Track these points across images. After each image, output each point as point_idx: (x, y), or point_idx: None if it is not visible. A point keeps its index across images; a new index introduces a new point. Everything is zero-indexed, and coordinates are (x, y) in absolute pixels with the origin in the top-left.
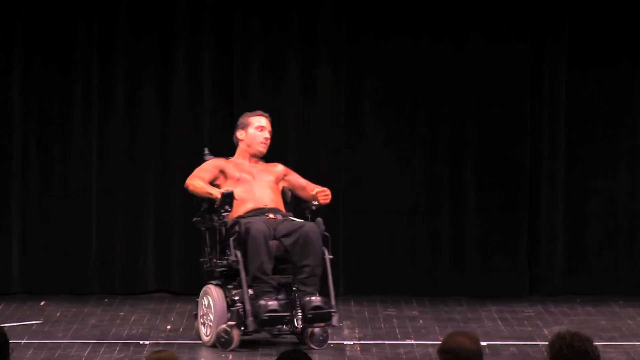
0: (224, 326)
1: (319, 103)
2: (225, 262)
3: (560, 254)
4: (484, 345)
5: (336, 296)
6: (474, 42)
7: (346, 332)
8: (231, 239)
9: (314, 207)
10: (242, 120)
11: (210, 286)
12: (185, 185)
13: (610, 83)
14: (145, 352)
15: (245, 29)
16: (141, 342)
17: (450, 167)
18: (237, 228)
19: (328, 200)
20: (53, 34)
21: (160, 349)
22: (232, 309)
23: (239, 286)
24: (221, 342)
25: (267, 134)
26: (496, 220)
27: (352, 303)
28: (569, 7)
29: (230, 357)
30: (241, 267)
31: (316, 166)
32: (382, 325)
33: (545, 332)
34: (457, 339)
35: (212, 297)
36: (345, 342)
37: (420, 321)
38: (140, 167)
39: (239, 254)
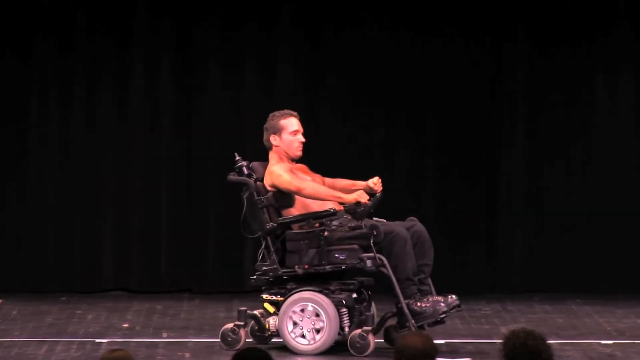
0: (359, 331)
1: (278, 99)
2: (329, 267)
3: (518, 253)
4: (441, 344)
5: None
6: (434, 37)
7: None
8: (371, 242)
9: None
10: (272, 123)
11: (312, 293)
12: (296, 190)
13: (569, 81)
14: (101, 351)
15: (203, 24)
16: (98, 340)
17: (410, 165)
18: (375, 232)
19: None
20: (13, 27)
21: (116, 347)
22: (367, 313)
23: (346, 290)
24: (357, 348)
25: (301, 137)
26: (455, 219)
27: None
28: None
29: (189, 356)
30: (390, 270)
31: None
32: None
33: (503, 330)
34: (409, 340)
35: (322, 304)
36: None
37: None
38: (99, 164)
39: (383, 257)
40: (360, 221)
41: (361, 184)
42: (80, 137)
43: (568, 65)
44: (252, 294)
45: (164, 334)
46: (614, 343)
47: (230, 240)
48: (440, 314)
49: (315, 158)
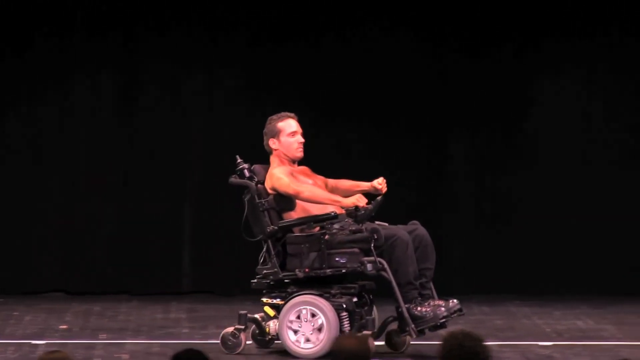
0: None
1: (220, 103)
2: (329, 270)
3: (457, 254)
4: (380, 345)
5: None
6: (363, 37)
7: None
8: (372, 246)
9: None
10: (270, 127)
11: (312, 297)
12: (294, 193)
13: (508, 81)
14: (39, 352)
15: (143, 29)
16: (35, 342)
17: (342, 167)
18: (376, 235)
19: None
20: None
21: (54, 349)
22: (368, 317)
23: (346, 294)
24: None
25: (300, 138)
26: (395, 220)
27: (250, 303)
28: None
29: (127, 357)
30: (390, 274)
31: (220, 167)
32: None
33: (442, 332)
34: (345, 342)
35: (322, 308)
36: None
37: None
38: (39, 164)
39: (384, 261)
40: (361, 225)
41: (365, 184)
42: (21, 136)
43: (513, 66)
44: (190, 295)
45: (102, 336)
46: (553, 344)
47: (168, 242)
48: (441, 319)
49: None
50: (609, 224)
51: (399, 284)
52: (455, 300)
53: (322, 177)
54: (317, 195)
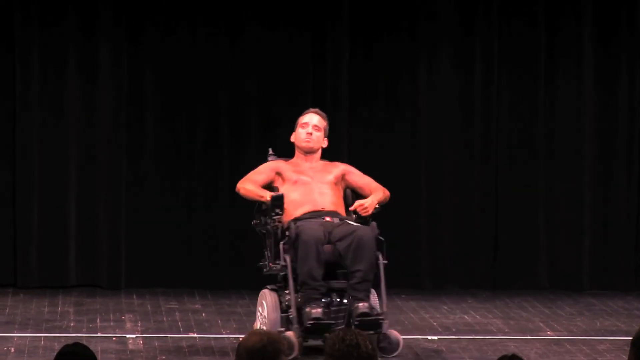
0: (285, 332)
1: (100, 95)
2: (278, 266)
3: None
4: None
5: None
6: (252, 31)
7: (129, 325)
8: (281, 243)
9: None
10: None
11: (266, 291)
12: (236, 190)
13: (392, 68)
14: None
15: (24, 22)
16: None
17: (231, 158)
18: (288, 232)
19: (369, 213)
20: None
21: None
22: (282, 315)
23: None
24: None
25: (309, 129)
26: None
27: (135, 296)
28: None
29: (12, 350)
30: (289, 272)
31: (96, 160)
32: (165, 318)
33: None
34: (250, 338)
35: (266, 303)
36: (127, 335)
37: (203, 314)
38: None
39: (287, 258)
40: (273, 221)
41: (375, 186)
42: None
43: (391, 52)
44: (78, 288)
45: None
46: (440, 339)
47: (54, 235)
48: (309, 320)
49: (137, 156)
50: (489, 219)
51: (298, 283)
52: (363, 304)
53: (355, 179)
54: (247, 191)
